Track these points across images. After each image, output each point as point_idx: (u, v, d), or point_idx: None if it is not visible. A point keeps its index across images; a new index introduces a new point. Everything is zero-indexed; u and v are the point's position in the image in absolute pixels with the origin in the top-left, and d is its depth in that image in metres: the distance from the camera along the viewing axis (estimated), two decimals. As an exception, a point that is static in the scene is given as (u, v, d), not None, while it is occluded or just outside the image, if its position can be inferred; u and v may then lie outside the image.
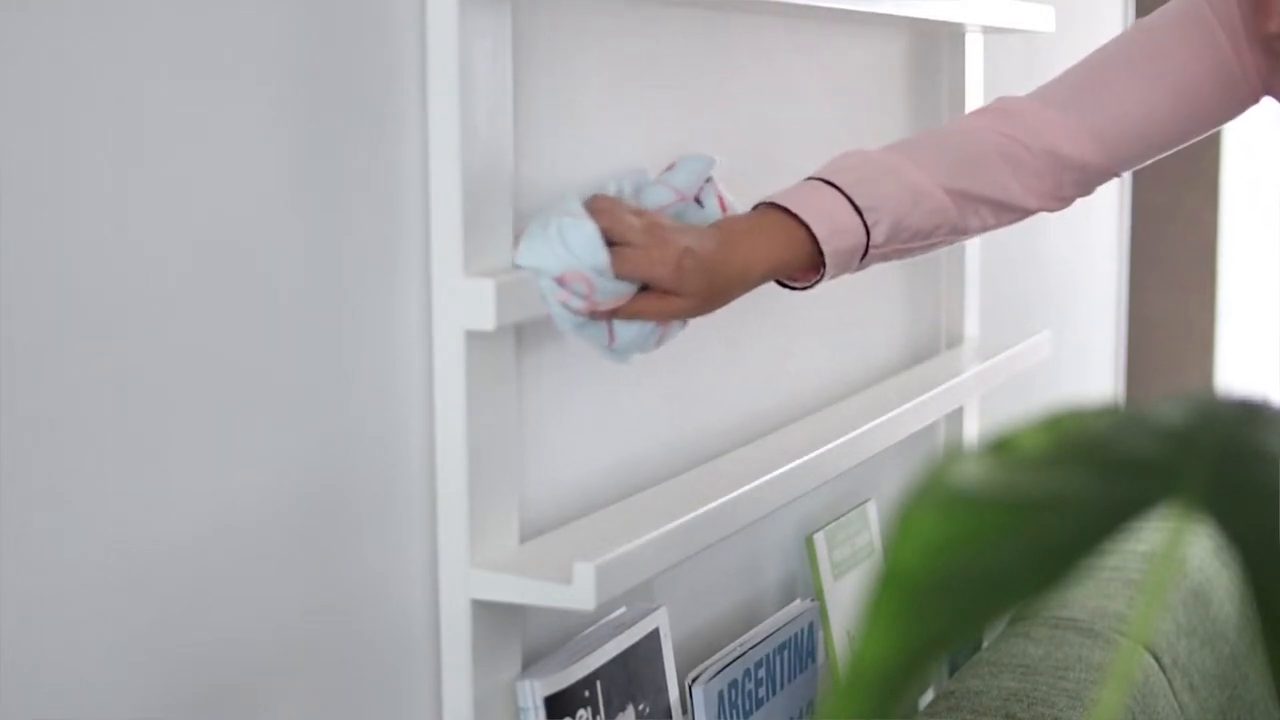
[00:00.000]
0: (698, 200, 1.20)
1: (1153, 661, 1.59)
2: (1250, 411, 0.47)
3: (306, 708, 1.01)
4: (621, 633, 1.23)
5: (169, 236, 0.89)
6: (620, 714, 1.21)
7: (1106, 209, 2.66)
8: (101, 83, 0.85)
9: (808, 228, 1.15)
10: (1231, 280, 3.11)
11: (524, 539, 1.16)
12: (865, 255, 1.19)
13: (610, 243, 1.07)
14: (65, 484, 0.84)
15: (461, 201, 1.05)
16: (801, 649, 1.48)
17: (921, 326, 1.90)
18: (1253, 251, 3.22)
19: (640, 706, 1.24)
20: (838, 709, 0.42)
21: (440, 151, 1.06)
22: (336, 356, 1.01)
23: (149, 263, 0.88)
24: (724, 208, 1.21)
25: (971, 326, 1.96)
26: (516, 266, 1.08)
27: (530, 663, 1.16)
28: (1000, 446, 0.46)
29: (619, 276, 1.06)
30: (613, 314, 1.09)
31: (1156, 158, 1.31)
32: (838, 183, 1.18)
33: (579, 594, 1.05)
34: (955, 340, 1.94)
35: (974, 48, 1.90)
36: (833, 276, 1.19)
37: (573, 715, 1.15)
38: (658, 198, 1.18)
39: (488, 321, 1.05)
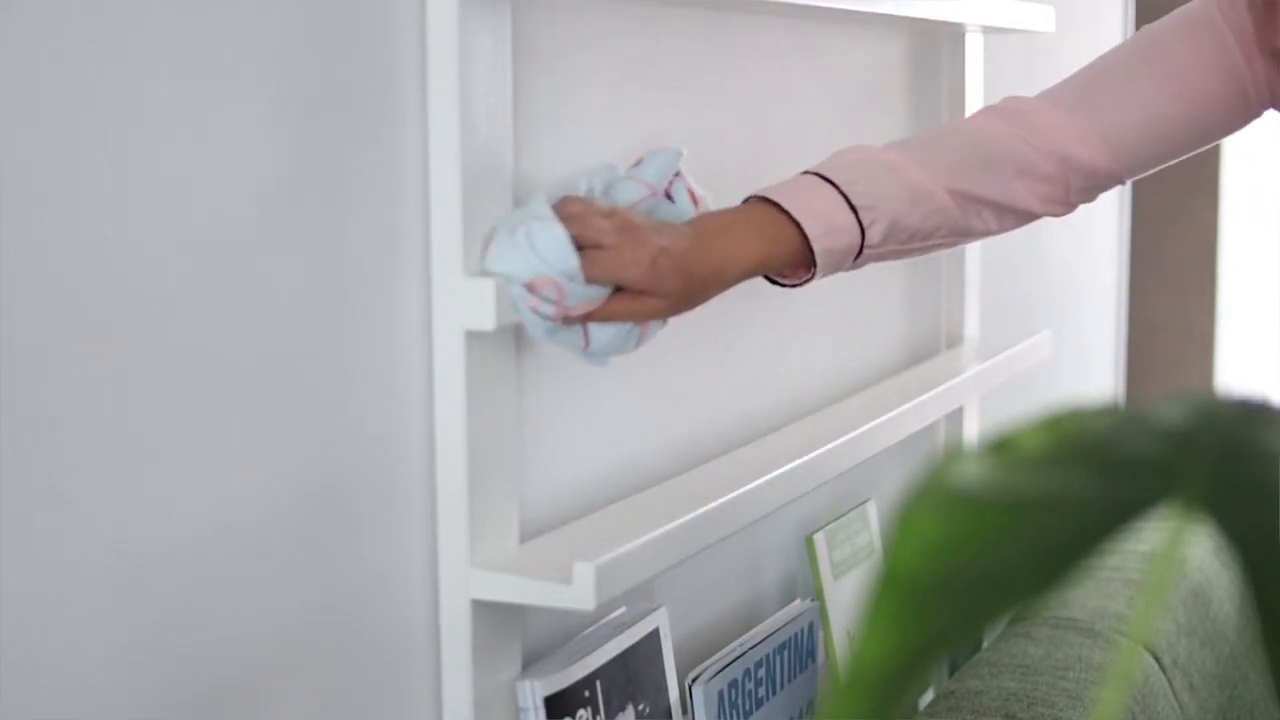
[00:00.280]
0: (668, 195, 1.18)
1: (1153, 661, 1.59)
2: (1250, 411, 0.47)
3: (306, 708, 1.01)
4: (621, 633, 1.23)
5: (169, 236, 0.89)
6: (620, 714, 1.21)
7: (1107, 211, 2.66)
8: (101, 82, 0.85)
9: (799, 225, 1.13)
10: (1231, 282, 3.11)
11: (524, 539, 1.16)
12: (860, 255, 1.17)
13: (581, 246, 1.04)
14: (65, 484, 0.84)
15: (461, 201, 1.05)
16: (801, 649, 1.48)
17: (921, 326, 1.90)
18: (1253, 254, 3.22)
19: (640, 706, 1.24)
20: (838, 709, 0.42)
21: (440, 151, 1.06)
22: (336, 356, 1.01)
23: (149, 262, 0.88)
24: (694, 200, 1.18)
25: (971, 326, 1.96)
26: (484, 272, 1.06)
27: (530, 663, 1.16)
28: (1000, 446, 0.46)
29: (591, 280, 1.04)
30: (587, 317, 1.06)
31: (1162, 166, 1.29)
32: (835, 179, 1.16)
33: (579, 594, 1.05)
34: (955, 340, 1.94)
35: (974, 48, 1.90)
36: (824, 276, 1.17)
37: (573, 715, 1.15)
38: (629, 194, 1.15)
39: (488, 321, 1.05)
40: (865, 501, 1.70)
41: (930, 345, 1.92)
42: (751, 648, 1.39)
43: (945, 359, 1.88)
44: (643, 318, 1.08)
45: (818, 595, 1.55)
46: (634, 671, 1.24)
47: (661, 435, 1.36)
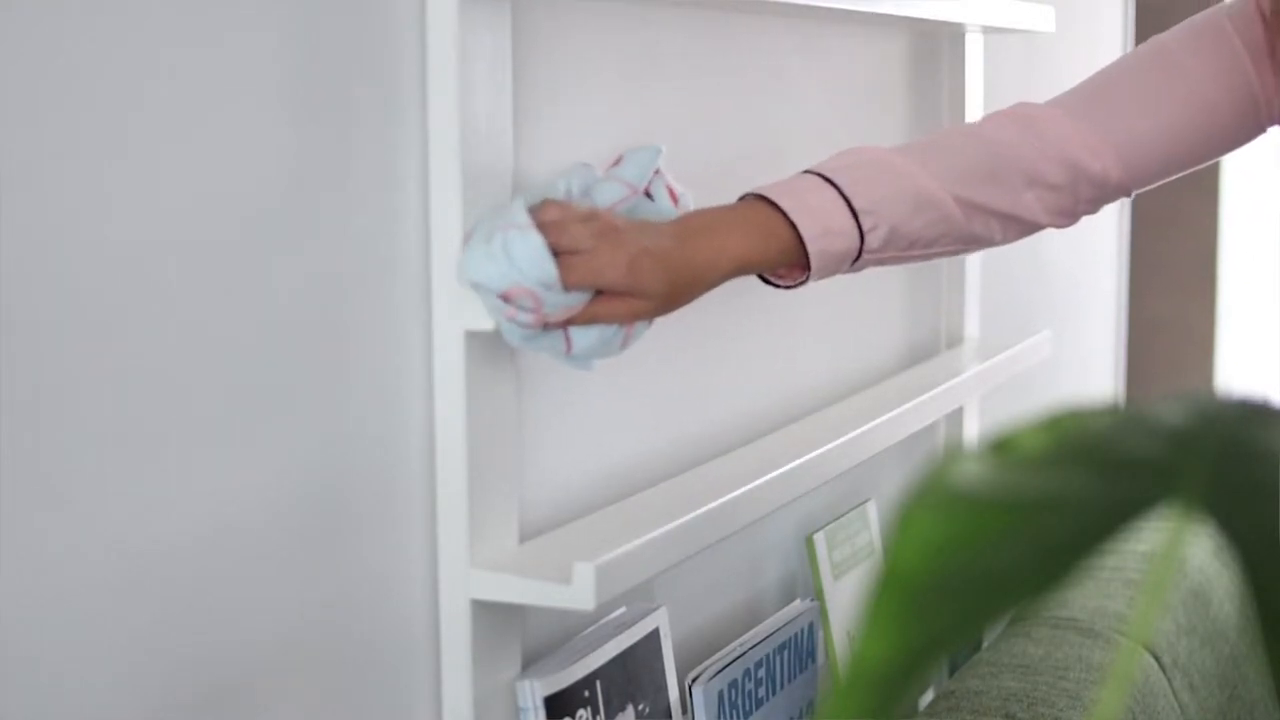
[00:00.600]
0: (648, 194, 1.15)
1: (1153, 661, 1.59)
2: (1250, 411, 0.47)
3: (306, 708, 1.01)
4: (621, 633, 1.23)
5: (169, 236, 0.89)
6: (620, 714, 1.21)
7: (1107, 212, 2.65)
8: (101, 82, 0.85)
9: (794, 224, 1.10)
10: (1231, 282, 3.11)
11: (524, 539, 1.16)
12: (858, 259, 1.15)
13: (559, 253, 1.02)
14: (65, 484, 0.84)
15: (461, 201, 1.05)
16: (801, 649, 1.48)
17: (921, 327, 1.90)
18: (1253, 254, 3.22)
19: (640, 706, 1.24)
20: (838, 709, 0.42)
21: (440, 151, 1.06)
22: (336, 356, 1.01)
23: (149, 262, 0.88)
24: (674, 198, 1.16)
25: (971, 327, 1.95)
26: (460, 279, 1.05)
27: (530, 663, 1.16)
28: (1000, 446, 0.46)
29: (570, 287, 1.02)
30: (568, 322, 1.04)
31: (1169, 179, 1.27)
32: (836, 180, 1.14)
33: (579, 594, 1.05)
34: (955, 340, 1.94)
35: (974, 48, 1.90)
36: (820, 278, 1.15)
37: (572, 715, 1.15)
38: (609, 194, 1.12)
39: (488, 321, 1.05)
40: (865, 501, 1.70)
41: (930, 345, 1.92)
42: (751, 648, 1.39)
43: (945, 359, 1.88)
44: (628, 319, 1.06)
45: (818, 595, 1.55)
46: (634, 671, 1.24)
47: (661, 435, 1.36)
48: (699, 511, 1.21)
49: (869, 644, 0.42)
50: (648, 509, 1.22)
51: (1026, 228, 1.25)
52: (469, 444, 1.08)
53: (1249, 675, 1.81)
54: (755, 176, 1.43)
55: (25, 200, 0.81)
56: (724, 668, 1.34)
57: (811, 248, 1.11)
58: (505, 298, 1.02)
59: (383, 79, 1.03)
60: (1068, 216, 1.26)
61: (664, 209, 1.15)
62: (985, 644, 1.64)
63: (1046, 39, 2.21)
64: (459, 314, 1.06)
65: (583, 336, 1.06)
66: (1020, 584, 0.42)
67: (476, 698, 1.09)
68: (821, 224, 1.11)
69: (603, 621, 1.25)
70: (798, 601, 1.52)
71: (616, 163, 1.16)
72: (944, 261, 1.92)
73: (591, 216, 1.05)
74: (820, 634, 1.53)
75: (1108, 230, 2.67)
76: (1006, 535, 0.43)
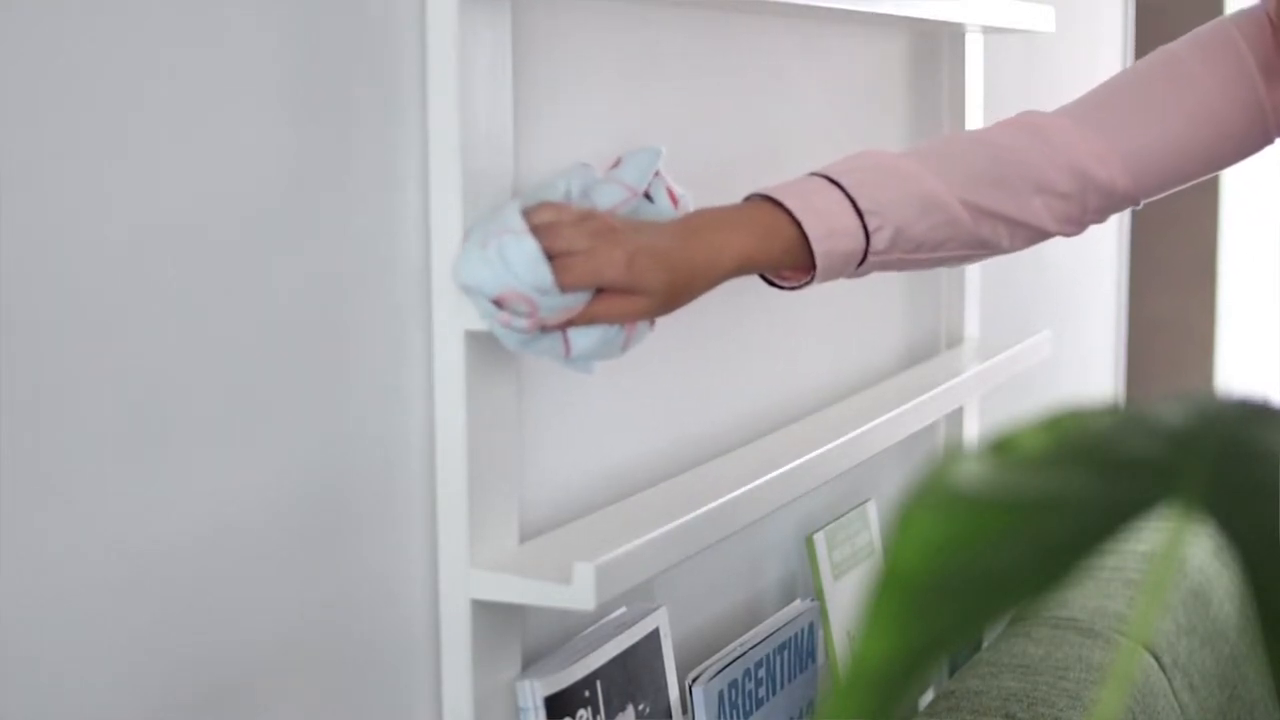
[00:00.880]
0: (648, 196, 1.14)
1: (1153, 661, 1.59)
2: (1250, 411, 0.47)
3: (306, 708, 1.01)
4: (621, 633, 1.23)
5: (169, 235, 0.89)
6: (620, 714, 1.21)
7: (1107, 209, 2.66)
8: (100, 82, 0.85)
9: (799, 224, 1.10)
10: (1231, 282, 3.11)
11: (524, 539, 1.16)
12: (864, 262, 1.14)
13: (554, 256, 1.01)
14: (65, 484, 0.84)
15: (461, 201, 1.05)
16: (801, 649, 1.48)
17: (921, 327, 1.90)
18: (1253, 254, 3.22)
19: (640, 706, 1.24)
20: (838, 709, 0.42)
21: (440, 151, 1.06)
22: (336, 356, 1.01)
23: (149, 262, 0.88)
24: (674, 199, 1.15)
25: (971, 327, 1.96)
26: (455, 283, 1.05)
27: (530, 663, 1.16)
28: (1000, 446, 0.46)
29: (566, 288, 1.01)
30: (567, 324, 1.03)
31: (1176, 189, 1.27)
32: (842, 182, 1.13)
33: (579, 594, 1.05)
34: (955, 340, 1.95)
35: (974, 48, 1.90)
36: (823, 280, 1.14)
37: (573, 715, 1.15)
38: (609, 196, 1.11)
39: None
40: (865, 501, 1.70)
41: (930, 345, 1.92)
42: (751, 648, 1.39)
43: (945, 359, 1.88)
44: (628, 318, 1.05)
45: (818, 595, 1.55)
46: (634, 671, 1.24)
47: (661, 435, 1.36)
48: (699, 511, 1.21)
49: (869, 644, 0.42)
50: (648, 509, 1.22)
51: (1034, 234, 1.24)
52: (469, 444, 1.08)
53: (1249, 675, 1.81)
54: (755, 176, 1.43)
55: (25, 200, 0.81)
56: (724, 668, 1.34)
57: (817, 248, 1.10)
58: (499, 302, 1.01)
59: (383, 79, 1.03)
60: (1075, 225, 1.25)
61: (664, 211, 1.14)
62: (985, 644, 1.64)
63: (1046, 39, 2.21)
64: (459, 314, 1.06)
65: (582, 338, 1.05)
66: (1020, 584, 0.42)
67: (477, 698, 1.09)
68: (827, 224, 1.11)
69: (603, 621, 1.25)
70: (798, 601, 1.52)
71: (616, 164, 1.15)
72: (944, 261, 1.92)
73: (587, 217, 1.04)
74: (820, 634, 1.53)
75: (1108, 230, 2.67)
76: (1006, 535, 0.43)
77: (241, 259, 0.94)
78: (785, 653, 1.45)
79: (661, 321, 1.10)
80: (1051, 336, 2.03)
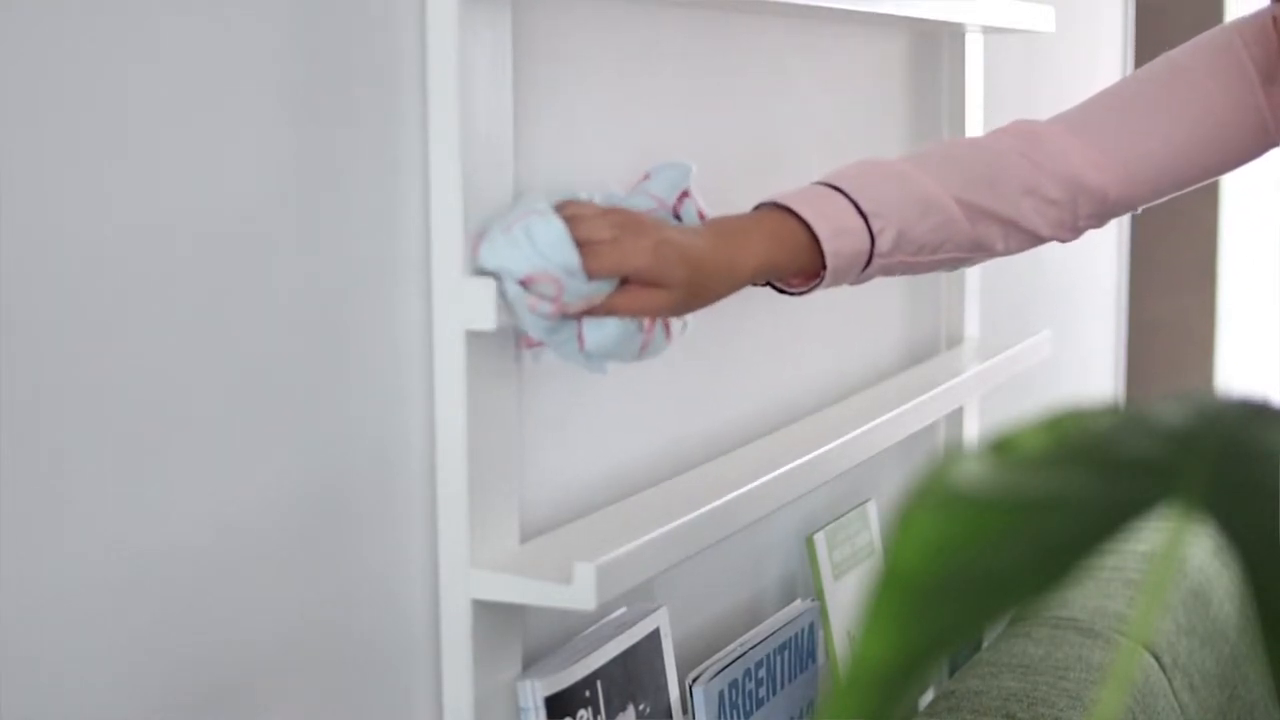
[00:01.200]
0: (677, 215, 1.14)
1: (1153, 661, 1.59)
2: (1250, 411, 0.47)
3: (306, 708, 1.01)
4: (622, 633, 1.23)
5: (169, 236, 0.89)
6: (620, 714, 1.21)
7: (1107, 209, 2.65)
8: (100, 83, 0.85)
9: (809, 229, 1.11)
10: (1231, 282, 3.11)
11: (524, 539, 1.16)
12: (869, 264, 1.16)
13: (580, 243, 1.01)
14: (65, 484, 0.84)
15: (462, 201, 1.05)
16: (801, 649, 1.48)
17: (921, 327, 1.90)
18: (1253, 254, 3.22)
19: (640, 706, 1.24)
20: (838, 709, 0.42)
21: (440, 151, 1.06)
22: (337, 356, 1.01)
23: (149, 262, 0.88)
24: (703, 220, 1.14)
25: (971, 326, 1.96)
26: (478, 270, 1.05)
27: (530, 663, 1.16)
28: (1000, 446, 0.46)
29: (593, 275, 1.01)
30: (585, 314, 1.03)
31: (1177, 193, 1.28)
32: (843, 187, 1.15)
33: (579, 594, 1.05)
34: (955, 340, 1.95)
35: (974, 48, 1.90)
36: (831, 283, 1.15)
37: (573, 715, 1.15)
38: (636, 205, 1.11)
39: (488, 321, 1.05)
40: (865, 501, 1.70)
41: (930, 345, 1.92)
42: (752, 648, 1.39)
43: (945, 359, 1.88)
44: (648, 312, 1.05)
45: (818, 595, 1.55)
46: (634, 671, 1.24)
47: (661, 435, 1.36)
48: (699, 511, 1.21)
49: (869, 644, 0.42)
50: (648, 509, 1.22)
51: (1028, 238, 1.25)
52: (469, 444, 1.08)
53: (1249, 675, 1.81)
54: (755, 176, 1.44)
55: (25, 201, 0.81)
56: (724, 668, 1.34)
57: (827, 247, 1.12)
58: (526, 284, 1.01)
59: (383, 79, 1.03)
60: (1069, 230, 1.27)
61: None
62: (985, 644, 1.64)
63: (1046, 39, 2.21)
64: (459, 314, 1.06)
65: (599, 332, 1.05)
66: (1020, 584, 0.42)
67: (477, 698, 1.09)
68: (834, 225, 1.12)
69: (603, 621, 1.25)
70: (798, 601, 1.52)
71: (645, 178, 1.15)
72: (944, 261, 1.92)
73: (613, 211, 1.05)
74: (820, 634, 1.53)
75: (1108, 231, 2.67)
76: (1006, 535, 0.43)
77: (241, 259, 0.94)
78: (785, 653, 1.45)
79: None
80: (1051, 336, 2.03)
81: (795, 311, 1.58)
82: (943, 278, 1.93)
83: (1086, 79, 2.40)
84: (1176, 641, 1.67)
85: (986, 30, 1.87)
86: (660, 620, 1.29)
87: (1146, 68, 1.28)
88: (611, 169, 1.25)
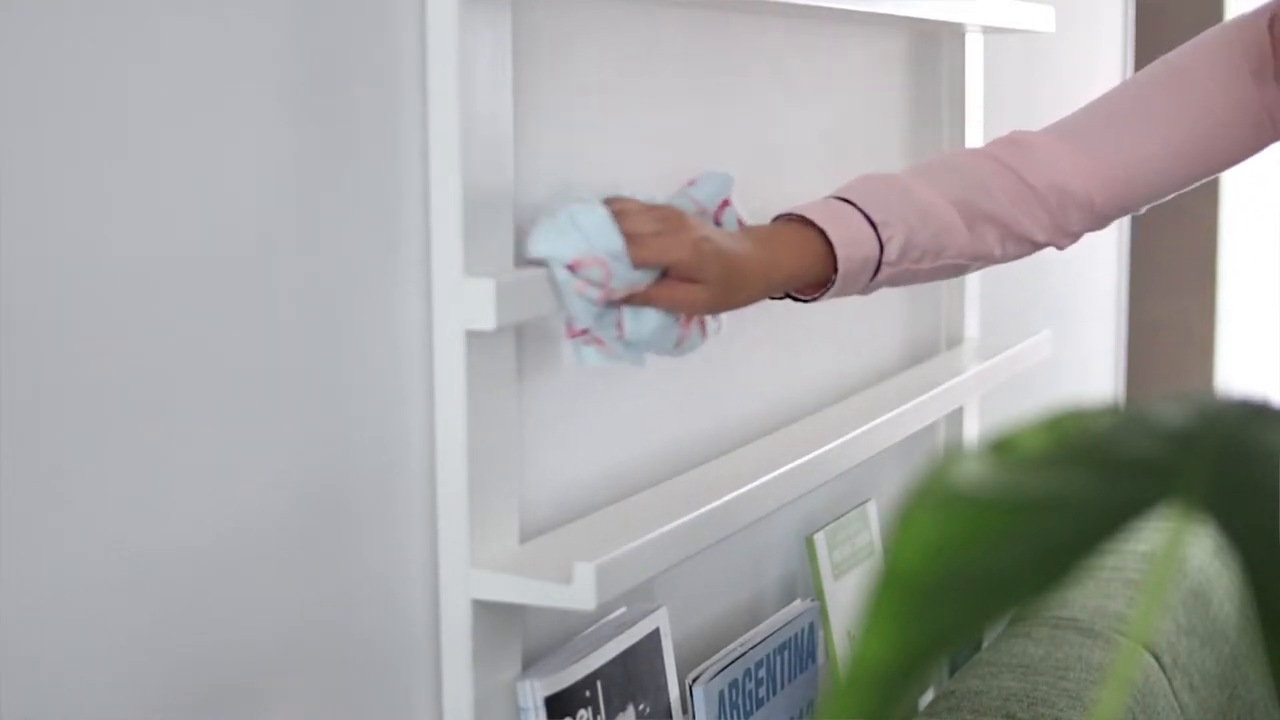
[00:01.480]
0: (717, 223, 1.18)
1: (1153, 661, 1.59)
2: (1250, 411, 0.47)
3: (306, 708, 1.01)
4: (622, 633, 1.23)
5: (168, 236, 0.89)
6: (620, 714, 1.21)
7: (1107, 210, 2.65)
8: (100, 84, 0.85)
9: (825, 238, 1.15)
10: (1231, 282, 3.11)
11: (524, 539, 1.16)
12: (876, 273, 1.19)
13: (624, 236, 1.05)
14: (65, 484, 0.84)
15: (462, 201, 1.05)
16: (801, 649, 1.48)
17: (921, 327, 1.90)
18: (1253, 254, 3.22)
19: (640, 706, 1.24)
20: (838, 709, 0.42)
21: (440, 152, 1.06)
22: (336, 356, 1.01)
23: (148, 262, 0.88)
24: (741, 228, 1.19)
25: (971, 326, 1.96)
26: (528, 260, 1.07)
27: (530, 663, 1.16)
28: (1000, 446, 0.46)
29: (637, 265, 1.05)
30: (625, 300, 1.06)
31: (1175, 194, 1.30)
32: (852, 198, 1.19)
33: (579, 594, 1.05)
34: (955, 340, 1.95)
35: (974, 48, 1.90)
36: (838, 291, 1.18)
37: (573, 715, 1.15)
38: (678, 206, 1.15)
39: (488, 321, 1.05)
40: (865, 501, 1.70)
41: (930, 345, 1.92)
42: (752, 648, 1.39)
43: (945, 359, 1.88)
44: (683, 306, 1.08)
45: (818, 595, 1.55)
46: (634, 671, 1.24)
47: (661, 435, 1.36)
48: (699, 511, 1.21)
49: (869, 644, 0.42)
50: (648, 509, 1.23)
51: (1025, 244, 1.28)
52: (469, 444, 1.08)
53: (1249, 675, 1.81)
54: (755, 176, 1.44)
55: (25, 203, 0.81)
56: (724, 668, 1.34)
57: (840, 253, 1.15)
58: (573, 268, 1.04)
59: (383, 79, 1.03)
60: (1065, 235, 1.30)
61: None
62: (985, 644, 1.64)
63: (1046, 39, 2.21)
64: (459, 314, 1.06)
65: (638, 321, 1.08)
66: (1020, 584, 0.42)
67: (477, 698, 1.09)
68: (848, 233, 1.16)
69: (603, 621, 1.25)
70: (798, 601, 1.52)
71: (691, 184, 1.19)
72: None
73: (656, 208, 1.09)
74: (820, 634, 1.53)
75: (1108, 232, 2.67)
76: (1006, 535, 0.43)
77: (241, 259, 0.94)
78: (785, 653, 1.45)
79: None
80: (1051, 336, 2.03)
81: (795, 312, 1.57)
82: (943, 278, 1.93)
83: (1086, 79, 2.40)
84: (1176, 641, 1.67)
85: (986, 30, 1.87)
86: (660, 620, 1.29)
87: (1144, 71, 1.30)
88: (612, 169, 1.25)
